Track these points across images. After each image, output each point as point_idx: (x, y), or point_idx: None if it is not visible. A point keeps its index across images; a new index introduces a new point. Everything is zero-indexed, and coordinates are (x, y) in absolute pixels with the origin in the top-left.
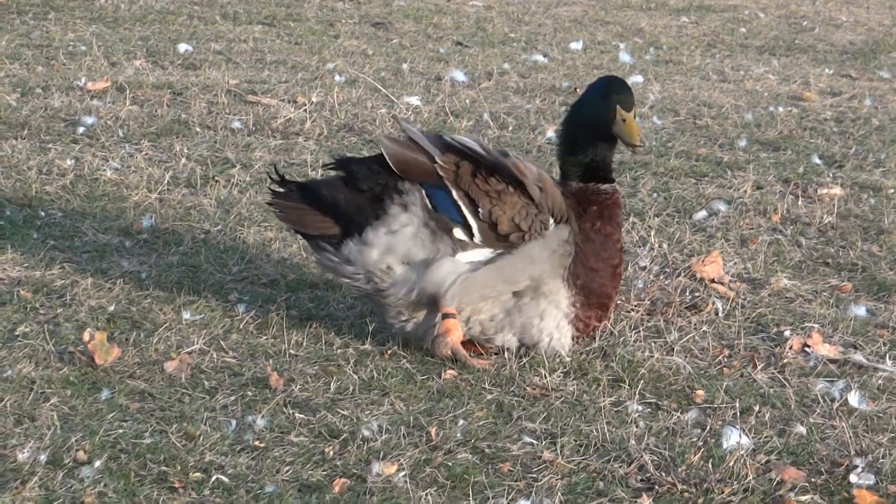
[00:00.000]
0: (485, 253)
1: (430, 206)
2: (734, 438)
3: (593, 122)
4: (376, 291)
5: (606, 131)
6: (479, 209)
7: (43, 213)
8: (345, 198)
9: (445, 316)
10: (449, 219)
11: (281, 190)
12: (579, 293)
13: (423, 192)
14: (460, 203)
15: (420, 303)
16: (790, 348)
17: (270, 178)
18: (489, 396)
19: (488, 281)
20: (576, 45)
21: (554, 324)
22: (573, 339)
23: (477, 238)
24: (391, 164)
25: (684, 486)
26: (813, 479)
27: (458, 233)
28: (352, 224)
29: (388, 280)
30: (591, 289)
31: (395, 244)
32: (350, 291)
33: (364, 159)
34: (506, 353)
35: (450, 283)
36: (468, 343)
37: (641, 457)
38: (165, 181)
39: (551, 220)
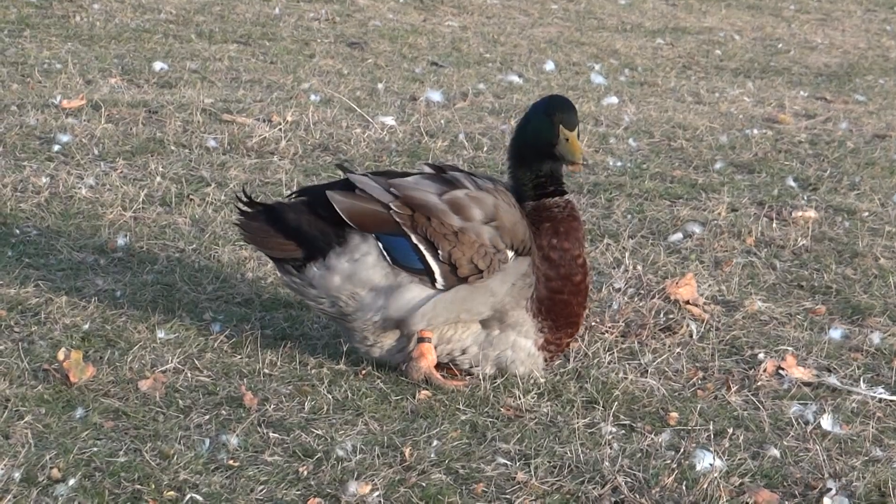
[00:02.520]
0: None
1: (387, 258)
2: (708, 461)
3: (537, 141)
4: (342, 315)
5: (550, 150)
6: (439, 251)
7: (18, 231)
8: (309, 222)
9: (420, 340)
10: (409, 268)
11: (248, 210)
12: (546, 318)
13: (380, 244)
14: (420, 247)
15: (386, 327)
16: (764, 371)
17: (238, 198)
18: (463, 417)
19: (451, 307)
20: (550, 66)
21: (525, 353)
22: (546, 361)
23: (440, 283)
24: (346, 220)
25: None
26: (786, 502)
27: (421, 279)
28: (315, 248)
29: (353, 305)
30: (556, 311)
31: (356, 272)
32: (318, 314)
33: (324, 186)
34: (479, 374)
35: (416, 307)
36: (444, 366)
37: (615, 478)
38: (140, 199)
39: (510, 254)
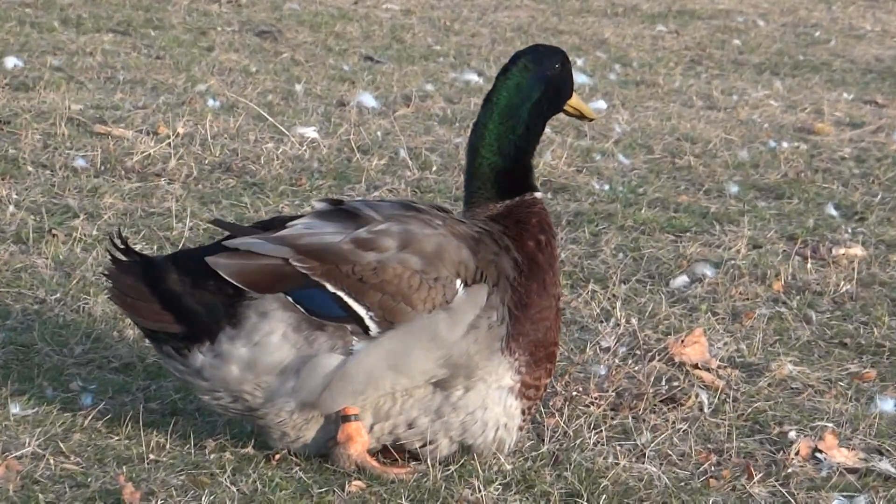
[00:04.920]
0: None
1: (304, 311)
2: None
3: (557, 101)
4: (248, 411)
5: (556, 111)
6: (364, 299)
7: None
8: (193, 292)
9: (345, 419)
10: (333, 317)
11: (122, 259)
12: (525, 352)
13: (290, 299)
14: (340, 294)
15: (305, 414)
16: (796, 454)
17: (112, 242)
18: None
19: (378, 371)
20: None
21: (501, 408)
22: (523, 415)
23: (374, 331)
24: (240, 286)
25: None
26: None
27: (351, 328)
28: (201, 326)
29: (260, 396)
30: (538, 340)
31: (259, 357)
32: (217, 412)
33: (210, 248)
34: (428, 458)
35: (332, 377)
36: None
37: None
38: None
39: (458, 283)
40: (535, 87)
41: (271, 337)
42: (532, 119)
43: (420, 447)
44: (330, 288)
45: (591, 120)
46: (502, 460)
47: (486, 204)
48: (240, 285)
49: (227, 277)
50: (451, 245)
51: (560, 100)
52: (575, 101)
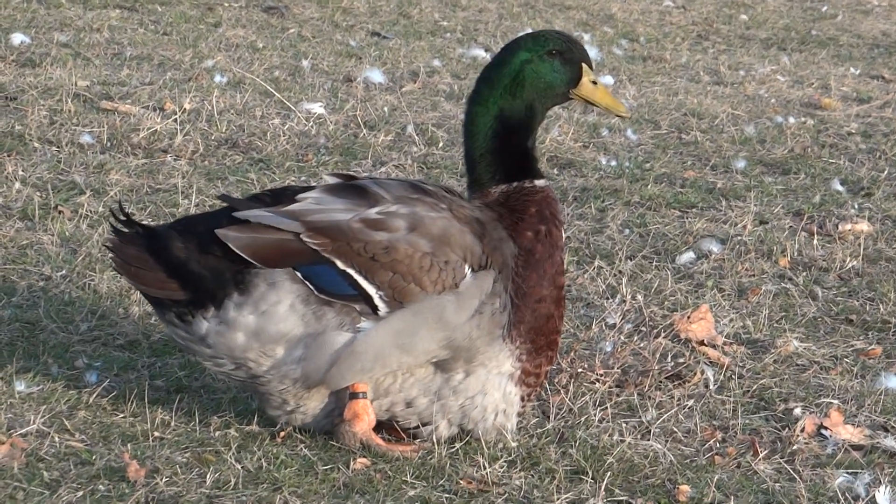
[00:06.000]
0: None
1: (312, 288)
2: None
3: (548, 91)
4: (251, 378)
5: (560, 100)
6: (375, 278)
7: None
8: (199, 258)
9: (353, 396)
10: (341, 295)
11: (125, 231)
12: (525, 340)
13: (299, 274)
14: (350, 271)
15: (309, 385)
16: (801, 431)
17: (114, 214)
18: (411, 492)
19: (386, 348)
20: None
21: (500, 394)
22: (522, 401)
23: (382, 310)
24: (249, 259)
25: None
26: None
27: (359, 308)
28: (207, 293)
29: (265, 363)
30: (539, 328)
31: (265, 326)
32: (219, 377)
33: (214, 215)
34: (433, 437)
35: (342, 352)
36: (385, 425)
37: None
38: None
39: (466, 268)
40: (508, 79)
41: (279, 307)
42: (527, 105)
43: (416, 427)
44: (340, 265)
45: (623, 116)
46: (508, 438)
47: (481, 189)
48: (249, 258)
49: (236, 250)
50: (455, 229)
51: (558, 87)
52: (585, 90)
